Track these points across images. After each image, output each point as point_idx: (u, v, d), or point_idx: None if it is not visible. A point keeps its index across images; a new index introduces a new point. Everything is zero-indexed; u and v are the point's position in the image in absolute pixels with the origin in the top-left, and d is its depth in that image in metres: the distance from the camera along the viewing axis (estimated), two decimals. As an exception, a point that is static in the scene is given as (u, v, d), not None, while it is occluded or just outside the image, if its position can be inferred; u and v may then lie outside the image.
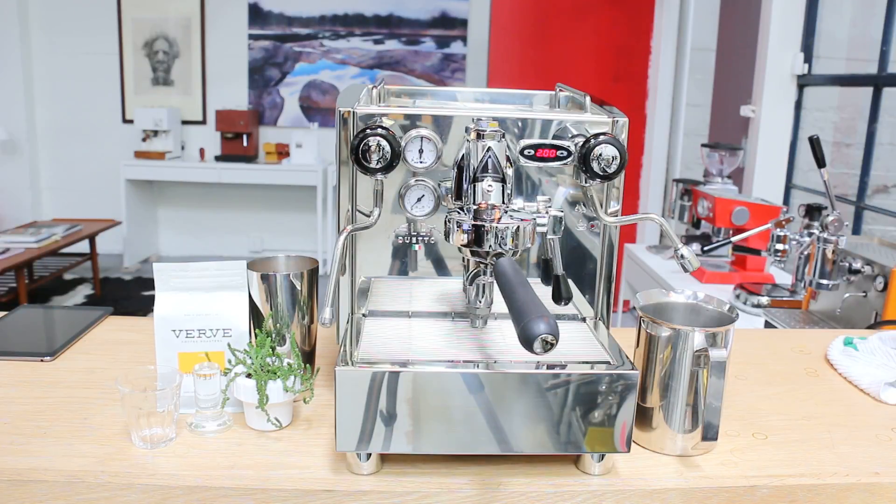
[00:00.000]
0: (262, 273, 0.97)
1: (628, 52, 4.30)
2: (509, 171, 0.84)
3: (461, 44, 5.54)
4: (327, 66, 5.60)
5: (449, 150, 0.92)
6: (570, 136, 0.91)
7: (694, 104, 4.26)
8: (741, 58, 3.62)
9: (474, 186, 0.82)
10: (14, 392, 0.98)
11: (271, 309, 0.97)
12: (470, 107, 1.07)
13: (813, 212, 1.95)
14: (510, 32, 4.25)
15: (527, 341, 0.66)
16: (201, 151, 5.57)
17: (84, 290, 5.01)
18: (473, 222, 0.80)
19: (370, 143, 0.85)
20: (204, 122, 5.67)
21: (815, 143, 1.85)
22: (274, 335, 0.97)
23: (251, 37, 5.57)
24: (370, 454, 0.80)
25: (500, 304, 0.78)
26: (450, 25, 5.51)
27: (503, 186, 0.82)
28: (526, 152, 0.89)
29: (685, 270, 0.92)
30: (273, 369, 0.88)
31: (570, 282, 0.96)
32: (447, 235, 0.83)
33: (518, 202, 0.92)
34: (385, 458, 0.83)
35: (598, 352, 0.86)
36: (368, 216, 0.92)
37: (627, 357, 0.82)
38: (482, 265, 0.84)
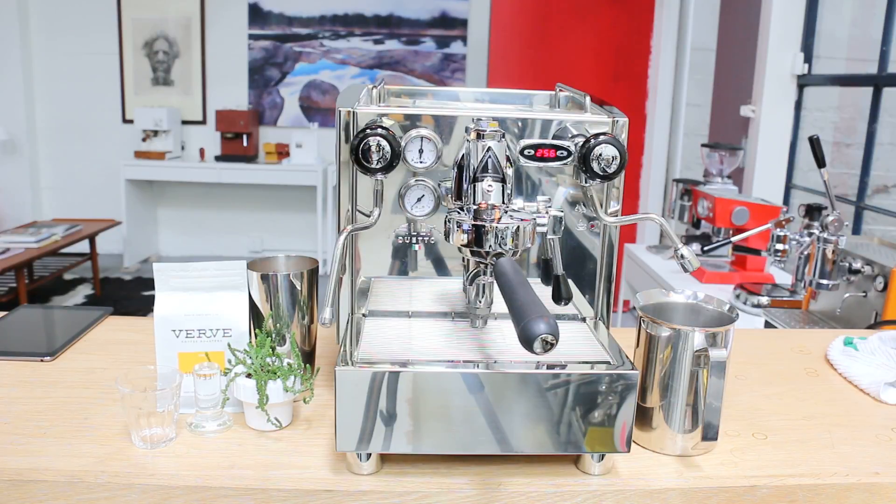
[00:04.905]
0: (262, 273, 0.97)
1: (628, 52, 4.29)
2: (509, 171, 0.84)
3: (461, 44, 5.54)
4: (327, 66, 5.60)
5: (449, 150, 0.92)
6: (570, 136, 0.91)
7: (694, 104, 4.26)
8: (741, 58, 3.61)
9: (474, 186, 0.81)
10: (14, 392, 0.98)
11: (271, 309, 0.97)
12: (470, 107, 1.07)
13: (813, 212, 1.95)
14: (510, 32, 4.25)
15: (527, 341, 0.66)
16: (201, 151, 5.57)
17: (84, 290, 5.01)
18: (473, 222, 0.80)
19: (370, 143, 0.85)
20: (204, 122, 5.67)
21: (815, 143, 1.85)
22: (274, 335, 0.97)
23: (251, 37, 5.56)
24: (370, 454, 0.80)
25: (500, 304, 0.78)
26: (450, 25, 5.51)
27: (503, 186, 0.82)
28: (526, 152, 0.89)
29: (685, 270, 0.92)
30: (273, 369, 0.88)
31: (570, 282, 0.96)
32: (447, 235, 0.83)
33: (518, 202, 0.92)
34: (385, 458, 0.83)
35: (598, 352, 0.86)
36: (368, 216, 0.92)
37: (627, 357, 0.82)
38: (482, 265, 0.84)
